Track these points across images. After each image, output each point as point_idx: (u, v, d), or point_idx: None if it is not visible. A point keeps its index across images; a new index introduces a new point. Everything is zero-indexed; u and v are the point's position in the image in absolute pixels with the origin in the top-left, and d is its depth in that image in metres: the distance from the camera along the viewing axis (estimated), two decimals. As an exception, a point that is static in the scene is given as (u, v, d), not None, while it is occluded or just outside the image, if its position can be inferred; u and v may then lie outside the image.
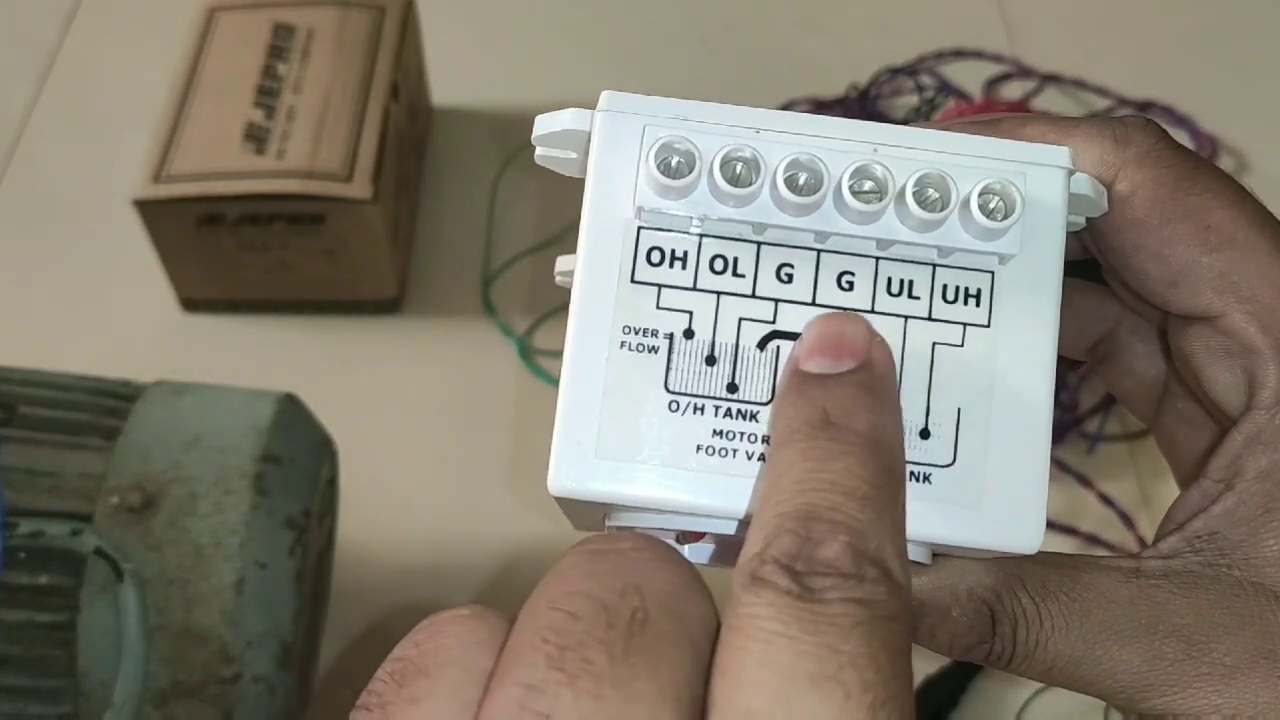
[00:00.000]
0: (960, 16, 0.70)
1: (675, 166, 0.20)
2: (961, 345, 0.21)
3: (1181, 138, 0.64)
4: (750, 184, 0.20)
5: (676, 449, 0.20)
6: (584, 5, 0.71)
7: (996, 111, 0.61)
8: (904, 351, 0.21)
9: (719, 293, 0.21)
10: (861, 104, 0.65)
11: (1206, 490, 0.23)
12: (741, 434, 0.20)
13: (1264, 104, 0.67)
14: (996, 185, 0.20)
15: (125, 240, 0.56)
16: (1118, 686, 0.22)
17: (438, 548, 0.50)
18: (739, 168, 0.20)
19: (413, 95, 0.60)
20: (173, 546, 0.36)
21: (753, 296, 0.21)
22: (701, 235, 0.21)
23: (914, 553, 0.22)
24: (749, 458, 0.20)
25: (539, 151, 0.23)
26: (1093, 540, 0.50)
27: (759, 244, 0.21)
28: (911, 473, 0.20)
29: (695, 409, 0.20)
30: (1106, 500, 0.51)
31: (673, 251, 0.21)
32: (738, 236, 0.21)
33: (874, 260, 0.21)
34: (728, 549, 0.23)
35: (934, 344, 0.21)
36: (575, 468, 0.20)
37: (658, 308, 0.21)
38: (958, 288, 0.21)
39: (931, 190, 0.20)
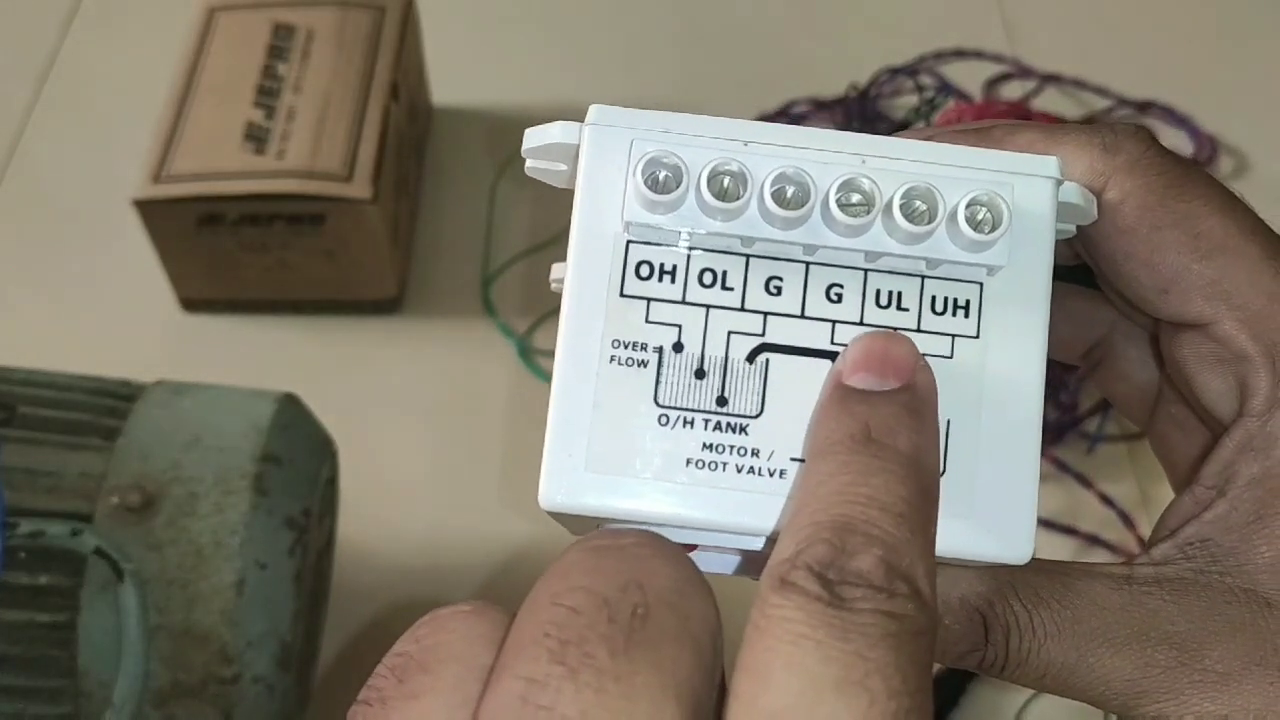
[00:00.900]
0: (960, 16, 0.70)
1: (663, 181, 0.20)
2: (950, 356, 0.21)
3: (1181, 138, 0.64)
4: (737, 198, 0.20)
5: (667, 462, 0.20)
6: (584, 5, 0.71)
7: (996, 112, 0.61)
8: None
9: (708, 306, 0.21)
10: (861, 104, 0.65)
11: (1199, 497, 0.23)
12: (731, 447, 0.20)
13: (1264, 104, 0.67)
14: (984, 197, 0.20)
15: (125, 240, 0.57)
16: (1110, 694, 0.22)
17: (437, 548, 0.50)
18: (726, 182, 0.20)
19: (413, 95, 0.60)
20: (173, 546, 0.36)
21: (741, 310, 0.21)
22: (690, 249, 0.21)
23: None
24: (739, 471, 0.20)
25: (529, 163, 0.23)
26: (1093, 541, 0.50)
27: (748, 257, 0.21)
28: None
29: (685, 422, 0.20)
30: (1106, 500, 0.51)
31: (661, 265, 0.21)
32: (726, 250, 0.21)
33: (862, 272, 0.21)
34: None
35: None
36: (566, 482, 0.20)
37: (647, 321, 0.21)
38: (946, 299, 0.21)
39: (919, 203, 0.20)
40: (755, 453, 0.20)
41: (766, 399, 0.20)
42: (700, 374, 0.21)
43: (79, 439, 0.38)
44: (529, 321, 0.57)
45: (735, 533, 0.20)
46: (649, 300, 0.21)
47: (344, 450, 0.44)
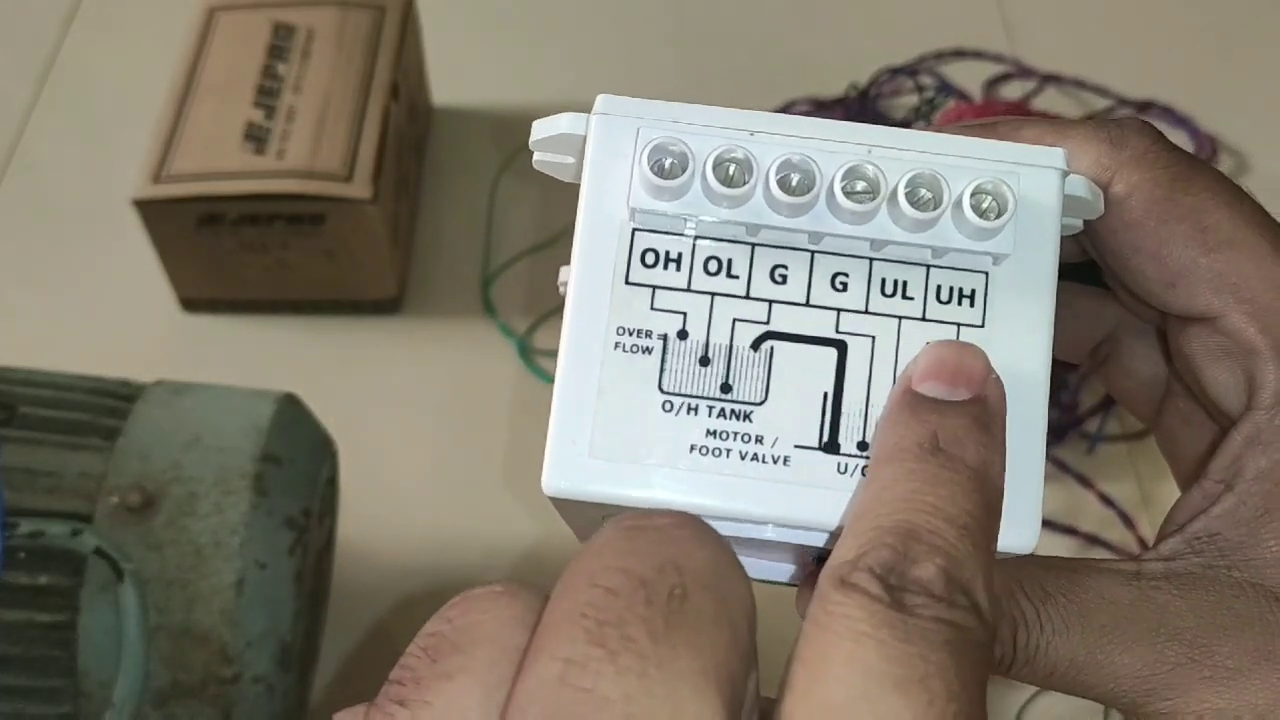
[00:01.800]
0: (960, 16, 0.70)
1: (668, 168, 0.20)
2: None
3: (1181, 138, 0.64)
4: (743, 184, 0.20)
5: (671, 449, 0.20)
6: (584, 5, 0.71)
7: (996, 111, 0.61)
8: (898, 352, 0.21)
9: (713, 294, 0.21)
10: (861, 104, 0.65)
11: (1207, 491, 0.23)
12: (735, 434, 0.20)
13: (1264, 104, 0.67)
14: (989, 185, 0.20)
15: (125, 240, 0.57)
16: (1119, 690, 0.21)
17: (438, 548, 0.50)
18: (731, 169, 0.20)
19: (413, 95, 0.60)
20: (173, 546, 0.36)
21: (746, 298, 0.21)
22: (696, 237, 0.21)
23: None
24: (742, 458, 0.20)
25: (536, 156, 0.23)
26: (1093, 540, 0.50)
27: (753, 245, 0.21)
28: None
29: (689, 409, 0.20)
30: (1106, 500, 0.51)
31: (667, 253, 0.21)
32: (732, 238, 0.21)
33: (868, 261, 0.21)
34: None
35: (928, 344, 0.21)
36: (569, 468, 0.20)
37: (652, 309, 0.21)
38: (952, 288, 0.21)
39: (924, 190, 0.20)
40: (759, 439, 0.20)
41: (771, 386, 0.20)
42: (705, 361, 0.21)
43: (79, 439, 0.38)
44: (529, 321, 0.57)
45: (737, 520, 0.20)
46: (654, 288, 0.21)
47: (344, 450, 0.44)
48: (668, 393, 0.20)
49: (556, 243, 0.59)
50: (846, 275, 0.21)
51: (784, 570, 0.26)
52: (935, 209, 0.20)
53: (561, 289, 0.22)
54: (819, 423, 0.20)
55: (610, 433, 0.20)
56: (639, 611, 0.15)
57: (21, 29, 0.70)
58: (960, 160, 0.21)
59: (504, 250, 0.60)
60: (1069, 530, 0.50)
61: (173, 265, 0.55)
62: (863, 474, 0.20)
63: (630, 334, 0.21)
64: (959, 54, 0.67)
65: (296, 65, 0.55)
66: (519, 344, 0.56)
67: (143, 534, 0.36)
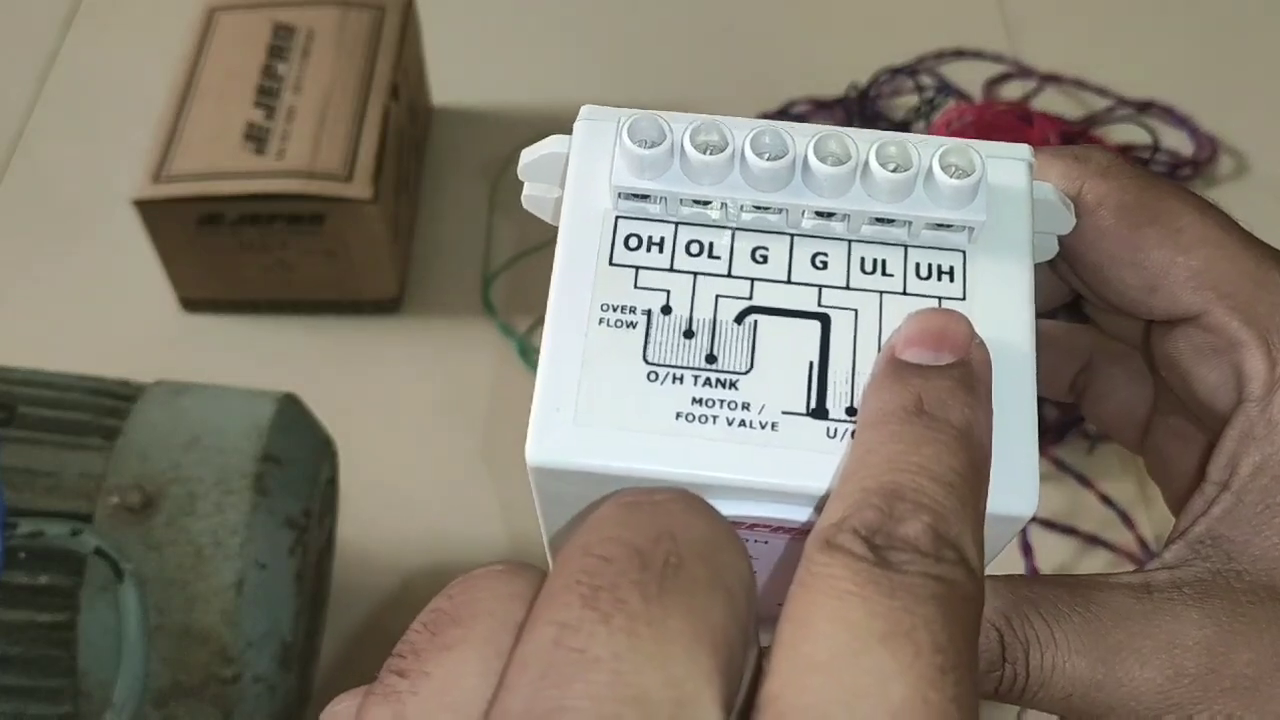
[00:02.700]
0: (960, 16, 0.70)
1: (647, 138, 0.21)
2: None
3: (1181, 138, 0.64)
4: (720, 152, 0.21)
5: (656, 416, 0.20)
6: (584, 5, 0.71)
7: (995, 112, 0.61)
8: (881, 325, 0.21)
9: (695, 273, 0.21)
10: (861, 104, 0.65)
11: (1207, 494, 0.23)
12: (721, 401, 0.20)
13: (1264, 104, 0.67)
14: (954, 153, 0.21)
15: (125, 240, 0.57)
16: (1140, 708, 0.21)
17: (438, 548, 0.50)
18: (707, 138, 0.21)
19: (413, 95, 0.60)
20: (173, 546, 0.36)
21: (729, 276, 0.21)
22: (677, 224, 0.22)
23: None
24: (729, 424, 0.20)
25: (526, 190, 0.23)
26: (1093, 541, 0.50)
27: (734, 230, 0.21)
28: None
29: (674, 378, 0.20)
30: (1106, 500, 0.51)
31: (649, 238, 0.21)
32: (713, 223, 0.21)
33: (846, 242, 0.21)
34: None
35: (912, 313, 0.21)
36: (554, 437, 0.20)
37: (635, 287, 0.21)
38: (931, 265, 0.21)
39: (893, 152, 0.21)
40: (746, 406, 0.20)
41: (756, 356, 0.21)
42: (689, 334, 0.21)
43: (79, 439, 0.38)
44: (529, 321, 0.57)
45: (724, 485, 0.20)
46: (637, 268, 0.21)
47: (344, 450, 0.44)
48: (652, 363, 0.20)
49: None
50: (826, 255, 0.21)
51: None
52: (906, 172, 0.20)
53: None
54: (806, 389, 0.20)
55: (595, 402, 0.20)
56: (632, 576, 0.15)
57: (21, 29, 0.70)
58: (925, 140, 0.21)
59: (504, 250, 0.60)
60: (1069, 530, 0.50)
61: (173, 265, 0.55)
62: (852, 438, 0.20)
63: (614, 310, 0.21)
64: (959, 54, 0.67)
65: (296, 65, 0.55)
66: (519, 344, 0.56)
67: (143, 534, 0.36)
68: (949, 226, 0.21)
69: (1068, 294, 0.26)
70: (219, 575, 0.36)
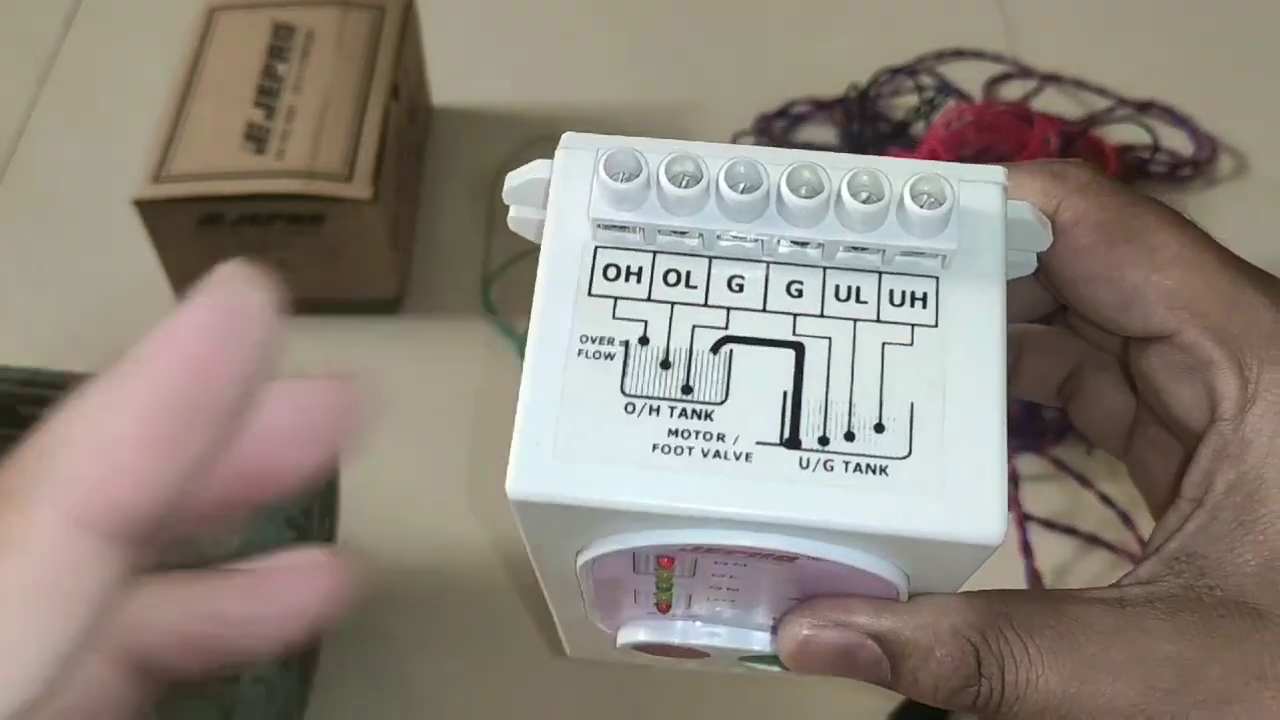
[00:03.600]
0: (960, 16, 0.70)
1: (623, 171, 0.21)
2: (911, 344, 0.21)
3: (1181, 138, 0.64)
4: (696, 184, 0.21)
5: (633, 448, 0.20)
6: (583, 5, 0.71)
7: (995, 112, 0.61)
8: (855, 351, 0.21)
9: (673, 303, 0.22)
10: (861, 104, 0.65)
11: (1181, 510, 0.23)
12: (697, 432, 0.21)
13: (1264, 104, 0.67)
14: (926, 180, 0.21)
15: (125, 240, 0.56)
16: None
17: (438, 548, 0.50)
18: (682, 169, 0.21)
19: (413, 95, 0.60)
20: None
21: (705, 305, 0.22)
22: (655, 252, 0.22)
23: (888, 590, 0.22)
24: (704, 455, 0.20)
25: (511, 213, 0.24)
26: (1093, 540, 0.50)
27: (710, 258, 0.22)
28: (868, 466, 0.20)
29: (651, 410, 0.21)
30: (1106, 500, 0.51)
31: (628, 268, 0.22)
32: (690, 252, 0.22)
33: (821, 270, 0.22)
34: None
35: (884, 344, 0.21)
36: (534, 471, 0.20)
37: (614, 318, 0.21)
38: (904, 292, 0.22)
39: (864, 183, 0.21)
40: (720, 437, 0.21)
41: (731, 386, 0.21)
42: (665, 364, 0.21)
43: (79, 439, 0.38)
44: (529, 322, 0.57)
45: (699, 516, 0.20)
46: (615, 299, 0.22)
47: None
48: (630, 395, 0.21)
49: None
50: (801, 283, 0.22)
51: (761, 639, 0.26)
52: (879, 202, 0.21)
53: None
54: (780, 420, 0.21)
55: (574, 435, 0.20)
56: None
57: (21, 29, 0.70)
58: (898, 166, 0.22)
59: (504, 250, 0.60)
60: (1069, 530, 0.50)
61: (173, 265, 0.55)
62: (825, 468, 0.20)
63: (593, 341, 0.21)
64: (959, 54, 0.67)
65: (296, 65, 0.55)
66: (519, 344, 0.56)
67: (143, 534, 0.36)
68: (922, 253, 0.21)
69: (1053, 302, 0.26)
70: (219, 575, 0.36)
